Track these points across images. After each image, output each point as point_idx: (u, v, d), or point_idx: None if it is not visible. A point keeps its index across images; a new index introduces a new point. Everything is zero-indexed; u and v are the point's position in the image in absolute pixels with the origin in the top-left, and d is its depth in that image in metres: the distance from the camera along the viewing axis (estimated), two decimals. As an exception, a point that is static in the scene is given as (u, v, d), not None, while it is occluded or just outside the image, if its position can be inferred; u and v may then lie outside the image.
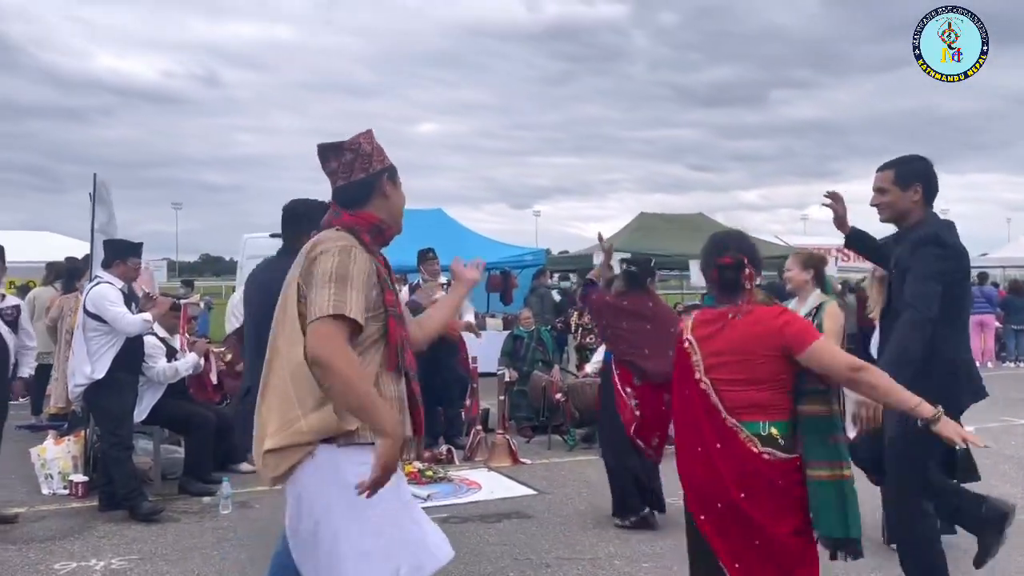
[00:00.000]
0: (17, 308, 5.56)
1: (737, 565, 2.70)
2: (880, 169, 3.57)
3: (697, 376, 2.76)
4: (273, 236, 13.67)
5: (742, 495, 2.68)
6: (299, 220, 3.14)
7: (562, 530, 5.04)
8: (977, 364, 3.69)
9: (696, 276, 14.76)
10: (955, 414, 2.97)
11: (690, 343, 2.81)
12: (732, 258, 2.82)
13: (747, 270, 2.81)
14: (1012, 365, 14.46)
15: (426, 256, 7.76)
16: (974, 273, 15.79)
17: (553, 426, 7.82)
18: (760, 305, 2.78)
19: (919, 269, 3.25)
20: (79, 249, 10.74)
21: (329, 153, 2.47)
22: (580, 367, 9.91)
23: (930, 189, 3.48)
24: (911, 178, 3.43)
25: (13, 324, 5.35)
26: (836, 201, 3.95)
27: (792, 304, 4.78)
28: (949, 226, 3.44)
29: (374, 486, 2.21)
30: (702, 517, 2.77)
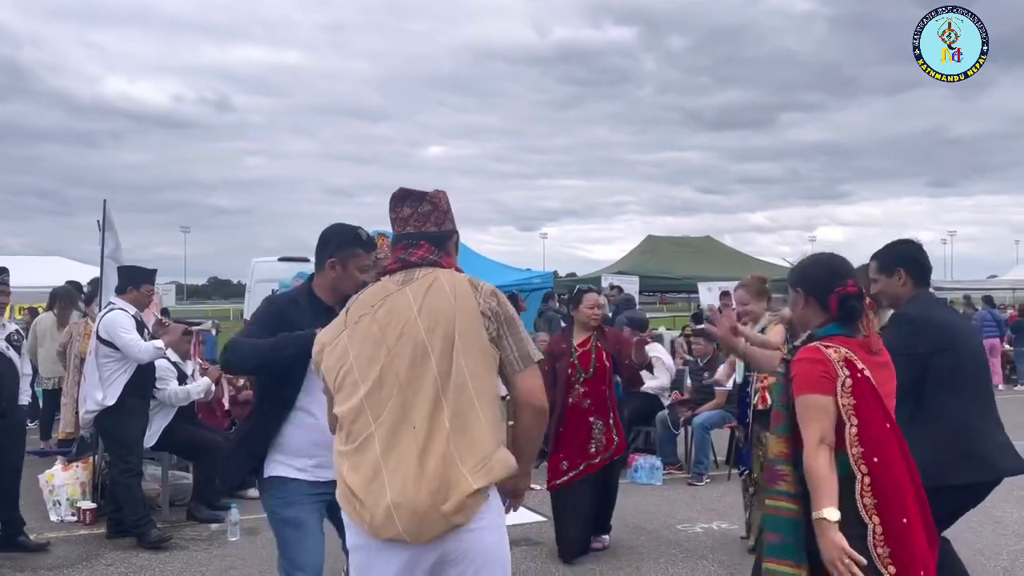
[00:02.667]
0: (20, 333, 5.54)
1: None
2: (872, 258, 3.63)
3: (889, 405, 2.54)
4: (282, 260, 13.81)
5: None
6: (326, 245, 3.11)
7: (574, 561, 5.00)
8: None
9: (705, 297, 14.74)
10: (945, 487, 2.91)
11: (868, 371, 2.51)
12: (856, 286, 2.64)
13: (867, 299, 2.67)
14: (1022, 388, 14.34)
15: None
16: (980, 295, 15.72)
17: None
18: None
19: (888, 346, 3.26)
20: (89, 273, 10.81)
21: (408, 199, 2.43)
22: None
23: (915, 269, 3.45)
24: (893, 264, 3.44)
25: (19, 349, 5.33)
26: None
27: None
28: (927, 301, 3.42)
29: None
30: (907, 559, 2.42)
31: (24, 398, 5.34)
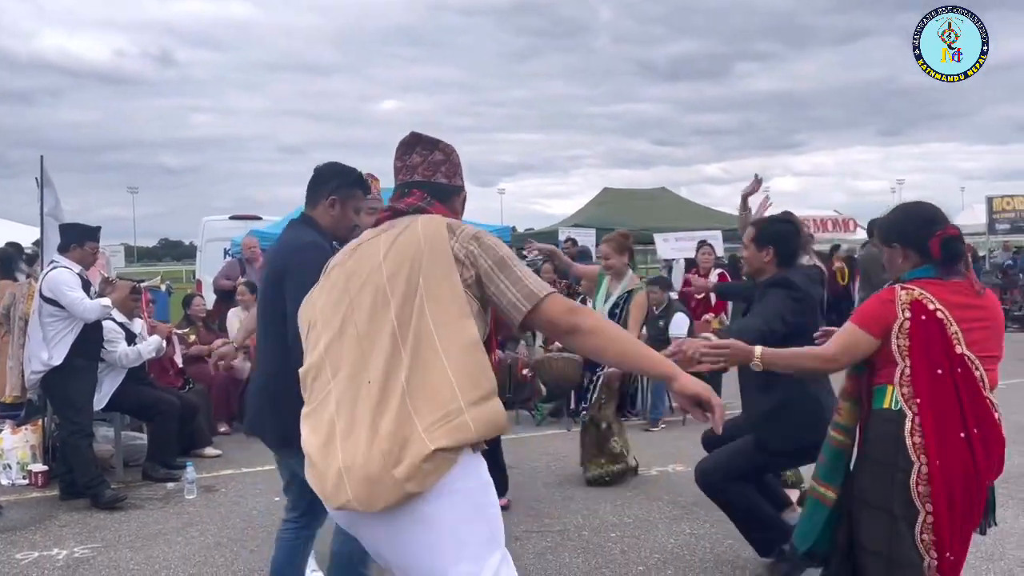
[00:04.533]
0: None
1: (950, 555, 2.51)
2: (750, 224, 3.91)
3: (959, 350, 2.50)
4: (233, 218, 13.53)
5: (988, 482, 2.55)
6: (326, 181, 3.00)
7: (531, 503, 5.07)
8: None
9: (662, 249, 14.84)
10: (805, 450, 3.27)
11: (943, 313, 2.52)
12: (956, 228, 2.65)
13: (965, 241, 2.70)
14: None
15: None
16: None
17: (520, 401, 7.83)
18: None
19: (761, 307, 3.49)
20: (32, 235, 10.47)
21: (419, 145, 2.25)
22: (548, 341, 9.93)
23: (785, 250, 3.68)
24: (765, 241, 3.69)
25: None
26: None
27: (604, 283, 5.38)
28: (804, 274, 3.69)
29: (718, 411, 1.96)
30: (945, 506, 2.48)
31: None
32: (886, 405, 2.58)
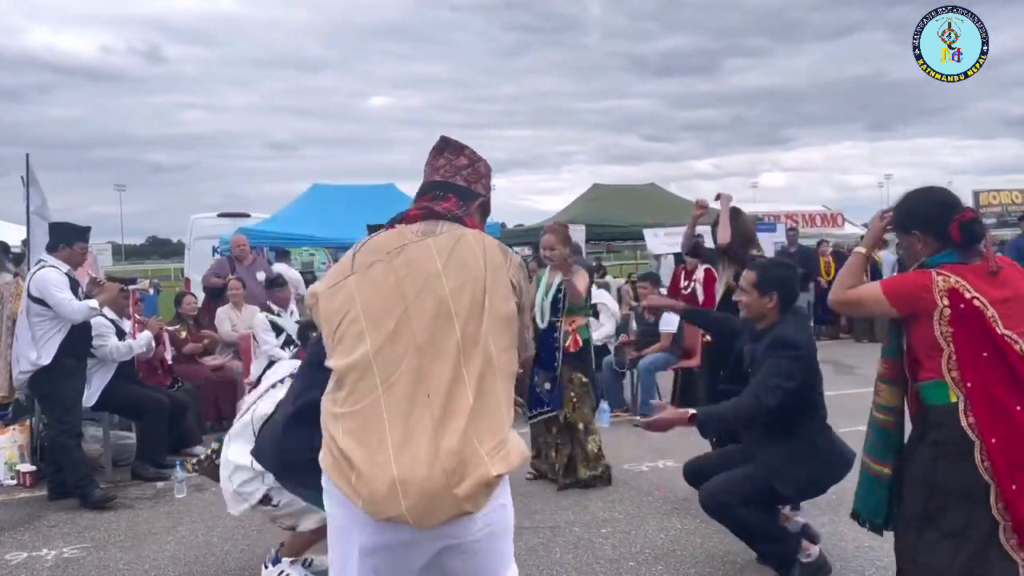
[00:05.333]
0: None
1: None
2: (748, 268, 3.91)
3: (999, 331, 2.57)
4: (222, 216, 13.48)
5: None
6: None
7: (522, 500, 5.07)
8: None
9: (652, 244, 14.86)
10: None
11: (979, 300, 2.58)
12: (972, 211, 2.73)
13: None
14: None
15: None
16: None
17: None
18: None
19: (773, 368, 3.51)
20: (18, 234, 10.39)
21: (449, 149, 2.30)
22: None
23: (788, 295, 3.71)
24: (769, 287, 3.68)
25: None
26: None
27: (545, 278, 5.37)
28: (798, 324, 3.72)
29: None
30: (1013, 487, 2.53)
31: None
32: (943, 401, 2.62)
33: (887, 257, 12.45)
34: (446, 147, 2.29)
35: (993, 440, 2.54)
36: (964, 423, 2.57)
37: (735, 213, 4.88)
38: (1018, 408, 2.55)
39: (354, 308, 2.01)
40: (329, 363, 2.03)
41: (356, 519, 1.93)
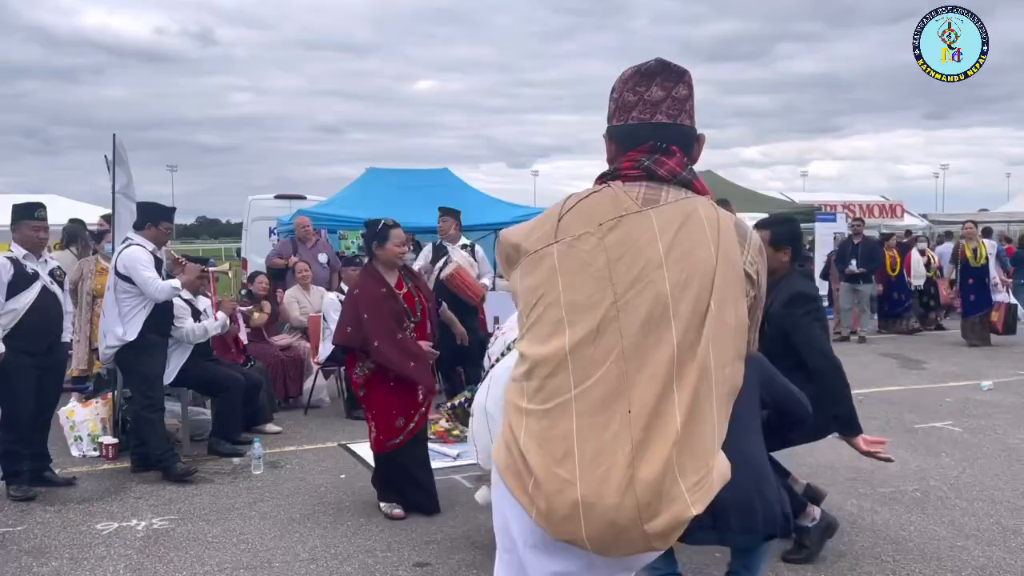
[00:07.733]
0: (62, 269, 5.44)
1: None
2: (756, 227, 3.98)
3: None
4: (278, 197, 13.63)
5: None
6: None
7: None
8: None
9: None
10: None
11: None
12: None
13: None
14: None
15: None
16: (982, 228, 15.81)
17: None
18: None
19: (806, 333, 3.66)
20: (80, 212, 10.66)
21: (662, 75, 1.76)
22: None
23: (800, 248, 3.92)
24: (783, 242, 3.81)
25: (63, 285, 5.27)
26: None
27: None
28: (806, 276, 3.97)
29: None
30: None
31: (67, 335, 5.29)
32: None
33: (991, 245, 11.99)
34: (662, 71, 1.76)
35: None
36: None
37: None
38: None
39: (554, 290, 1.67)
40: (520, 346, 1.75)
41: (530, 530, 1.71)
